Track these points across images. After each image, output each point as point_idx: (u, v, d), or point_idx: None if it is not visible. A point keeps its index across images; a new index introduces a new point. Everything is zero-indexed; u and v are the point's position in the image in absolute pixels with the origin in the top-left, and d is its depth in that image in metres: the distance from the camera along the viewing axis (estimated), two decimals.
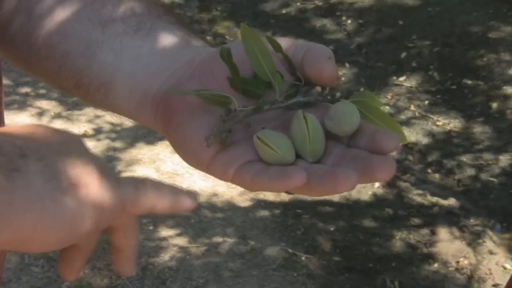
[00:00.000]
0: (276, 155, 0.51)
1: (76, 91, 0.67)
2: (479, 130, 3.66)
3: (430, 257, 2.83)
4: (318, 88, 0.56)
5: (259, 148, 0.52)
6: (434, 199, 3.19)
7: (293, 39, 0.58)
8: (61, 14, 0.66)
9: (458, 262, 2.80)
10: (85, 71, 0.65)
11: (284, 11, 5.28)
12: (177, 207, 0.52)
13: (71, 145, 0.50)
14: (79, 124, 3.74)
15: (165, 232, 2.91)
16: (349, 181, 0.46)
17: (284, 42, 0.57)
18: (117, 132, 3.67)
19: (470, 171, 3.36)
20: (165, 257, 2.77)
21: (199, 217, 3.02)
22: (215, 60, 0.57)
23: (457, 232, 2.97)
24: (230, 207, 3.10)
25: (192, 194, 0.52)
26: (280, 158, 0.51)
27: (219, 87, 0.56)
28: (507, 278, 2.65)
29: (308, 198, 3.17)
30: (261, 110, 0.55)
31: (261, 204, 3.12)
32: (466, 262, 2.80)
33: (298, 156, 0.52)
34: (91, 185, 0.48)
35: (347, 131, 0.52)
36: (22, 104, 3.86)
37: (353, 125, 0.51)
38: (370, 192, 3.24)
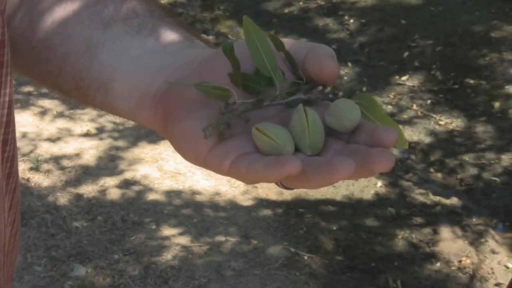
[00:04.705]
0: (275, 145, 0.51)
1: (76, 93, 0.67)
2: (482, 129, 3.66)
3: (433, 256, 2.83)
4: (319, 88, 0.56)
5: (257, 139, 0.51)
6: (437, 198, 3.19)
7: (295, 40, 0.58)
8: (62, 15, 0.66)
9: (460, 261, 2.80)
10: (86, 71, 0.65)
11: (286, 10, 5.28)
12: None
13: None
14: (82, 123, 3.74)
15: (167, 231, 2.91)
16: (345, 168, 0.45)
17: (286, 42, 0.57)
18: (119, 131, 3.67)
19: (473, 170, 3.36)
20: (167, 256, 2.77)
21: (202, 216, 3.03)
22: (216, 58, 0.57)
23: (459, 231, 2.97)
24: (233, 206, 3.11)
25: None
26: (279, 148, 0.51)
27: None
28: (509, 277, 2.65)
29: (311, 197, 3.17)
30: (261, 105, 0.54)
31: (263, 203, 3.12)
32: (468, 261, 2.80)
33: (297, 149, 0.52)
34: None
35: (347, 126, 0.52)
36: (24, 103, 3.87)
37: (353, 120, 0.51)
38: (372, 191, 3.24)
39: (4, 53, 0.60)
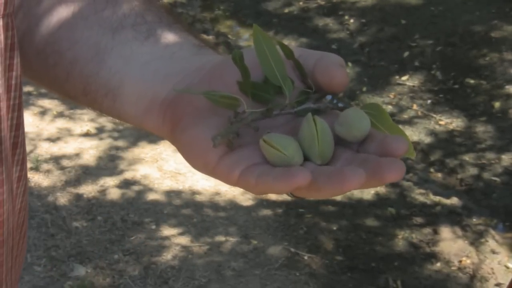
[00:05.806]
0: (283, 157, 0.50)
1: (84, 99, 0.67)
2: (482, 129, 3.65)
3: (433, 257, 2.83)
4: (328, 97, 0.56)
5: (265, 151, 0.51)
6: (437, 198, 3.19)
7: (304, 48, 0.58)
8: (71, 20, 0.66)
9: (460, 261, 2.80)
10: (94, 77, 0.65)
11: (286, 10, 5.28)
12: None
13: None
14: (82, 123, 3.74)
15: (167, 231, 2.91)
16: (357, 177, 0.45)
17: (296, 50, 0.57)
18: (119, 131, 3.67)
19: (473, 170, 3.36)
20: (167, 256, 2.77)
21: (202, 216, 3.02)
22: (225, 65, 0.57)
23: (459, 232, 2.97)
24: (233, 206, 3.10)
25: None
26: (287, 159, 0.50)
27: (229, 92, 0.56)
28: (510, 277, 2.65)
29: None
30: (270, 114, 0.54)
31: (263, 203, 3.12)
32: (468, 261, 2.80)
33: (306, 159, 0.52)
34: None
35: (357, 136, 0.51)
36: (24, 103, 3.84)
37: (363, 130, 0.51)
38: (372, 191, 3.24)
39: (14, 56, 0.60)
